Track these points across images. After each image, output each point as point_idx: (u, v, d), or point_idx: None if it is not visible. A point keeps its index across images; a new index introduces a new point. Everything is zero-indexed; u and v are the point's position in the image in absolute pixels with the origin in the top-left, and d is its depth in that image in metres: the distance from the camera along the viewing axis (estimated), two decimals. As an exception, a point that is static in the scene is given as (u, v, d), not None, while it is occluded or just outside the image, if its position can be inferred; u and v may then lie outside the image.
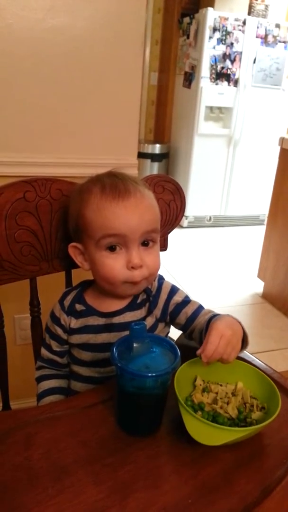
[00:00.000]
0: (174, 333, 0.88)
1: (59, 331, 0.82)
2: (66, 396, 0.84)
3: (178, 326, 0.83)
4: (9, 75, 1.14)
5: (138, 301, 0.81)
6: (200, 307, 0.81)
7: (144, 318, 0.80)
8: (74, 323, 0.80)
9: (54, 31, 1.13)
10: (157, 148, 4.09)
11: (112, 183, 0.72)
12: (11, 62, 1.13)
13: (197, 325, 0.78)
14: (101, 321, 0.79)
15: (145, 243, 0.74)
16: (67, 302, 0.82)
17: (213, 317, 0.75)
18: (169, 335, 0.88)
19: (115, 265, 0.72)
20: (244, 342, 0.70)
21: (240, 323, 0.71)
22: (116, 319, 0.79)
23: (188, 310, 0.80)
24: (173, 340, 0.85)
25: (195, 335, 0.79)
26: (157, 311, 0.81)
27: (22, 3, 1.09)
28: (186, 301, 0.81)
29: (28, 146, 1.22)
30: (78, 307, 0.81)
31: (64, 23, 1.14)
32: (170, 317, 0.82)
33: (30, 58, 1.14)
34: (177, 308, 0.80)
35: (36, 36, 1.13)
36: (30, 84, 1.16)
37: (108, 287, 0.76)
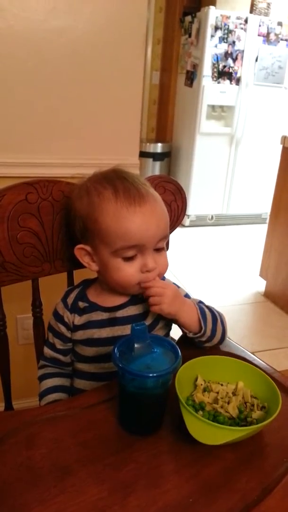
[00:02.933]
0: (176, 333, 0.89)
1: (63, 328, 0.82)
2: (69, 394, 0.85)
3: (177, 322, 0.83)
4: (11, 76, 1.15)
5: (140, 296, 0.81)
6: (199, 303, 0.83)
7: (146, 313, 0.81)
8: (78, 320, 0.81)
9: (55, 32, 1.14)
10: (159, 147, 4.08)
11: (125, 188, 0.72)
12: (13, 63, 1.14)
13: None
14: (104, 315, 0.80)
15: (158, 248, 0.75)
16: (70, 300, 0.82)
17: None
18: (171, 335, 0.89)
19: (130, 270, 0.74)
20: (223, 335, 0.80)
21: (199, 308, 0.79)
22: (119, 313, 0.80)
23: None
24: (174, 340, 0.86)
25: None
26: None
27: (23, 4, 1.10)
28: (187, 297, 0.83)
29: (30, 147, 1.22)
30: (81, 304, 0.81)
31: (65, 23, 1.14)
32: None
33: (32, 59, 1.15)
34: None
35: (38, 37, 1.13)
36: (31, 85, 1.17)
37: (119, 289, 0.77)
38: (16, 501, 0.52)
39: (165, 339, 0.65)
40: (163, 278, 0.84)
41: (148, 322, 0.80)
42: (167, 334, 0.86)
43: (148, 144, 4.06)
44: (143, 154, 3.92)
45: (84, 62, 1.19)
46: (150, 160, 4.05)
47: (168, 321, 0.85)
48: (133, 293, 0.79)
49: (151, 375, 0.58)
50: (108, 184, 0.73)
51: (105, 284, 0.79)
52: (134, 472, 0.56)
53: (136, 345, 0.62)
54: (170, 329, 0.87)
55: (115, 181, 0.73)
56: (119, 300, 0.80)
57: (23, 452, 0.58)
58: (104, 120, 1.26)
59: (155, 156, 4.07)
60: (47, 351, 0.86)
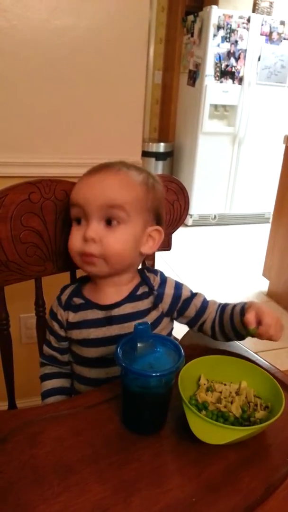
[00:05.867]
0: (179, 331, 0.89)
1: (56, 326, 0.81)
2: (69, 396, 0.85)
3: (185, 319, 0.84)
4: (14, 76, 1.15)
5: (138, 293, 0.80)
6: (205, 299, 0.84)
7: (148, 311, 0.80)
8: (72, 316, 0.80)
9: (58, 32, 1.14)
10: (161, 147, 4.08)
11: (102, 164, 0.76)
12: (16, 63, 1.14)
13: (209, 316, 0.82)
14: (100, 314, 0.79)
15: (108, 221, 0.73)
16: (64, 297, 0.82)
17: (233, 306, 0.80)
18: (174, 334, 0.89)
19: (74, 236, 0.75)
20: None
21: None
22: (116, 311, 0.78)
23: (197, 302, 0.82)
24: (177, 339, 0.86)
25: (206, 326, 0.82)
26: (164, 305, 0.81)
27: (26, 4, 1.10)
28: (194, 294, 0.83)
29: (33, 146, 1.22)
30: (76, 300, 0.81)
31: (68, 23, 1.14)
32: (178, 312, 0.82)
33: (34, 58, 1.15)
34: (186, 302, 0.82)
35: (40, 36, 1.13)
36: (34, 85, 1.17)
37: (71, 259, 0.78)
38: (20, 499, 0.52)
39: (167, 339, 0.65)
40: (165, 278, 0.83)
41: (149, 321, 0.80)
42: (169, 333, 0.86)
43: (150, 143, 4.06)
44: (145, 154, 3.92)
45: (87, 61, 1.19)
46: (153, 159, 4.05)
47: (170, 321, 0.85)
48: (81, 267, 0.78)
49: (154, 374, 0.59)
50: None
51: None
52: (137, 471, 0.57)
53: (139, 344, 0.62)
54: (172, 328, 0.87)
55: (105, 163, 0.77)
56: (115, 297, 0.79)
57: (26, 451, 0.59)
58: (107, 120, 1.26)
59: (158, 156, 4.07)
60: (45, 348, 0.86)
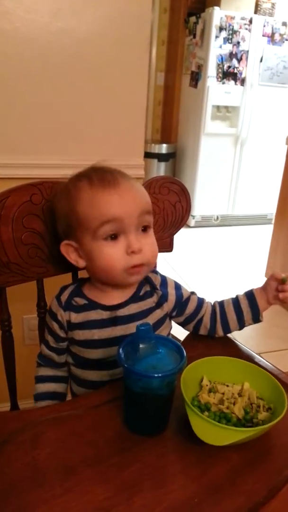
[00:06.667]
0: (180, 332, 0.89)
1: (55, 326, 0.80)
2: (61, 401, 0.84)
3: (184, 317, 0.85)
4: (16, 78, 1.15)
5: (141, 293, 0.80)
6: (198, 297, 0.88)
7: (151, 310, 0.80)
8: (75, 317, 0.78)
9: (60, 34, 1.14)
10: (164, 148, 4.08)
11: (99, 175, 0.72)
12: (18, 65, 1.14)
13: (206, 310, 0.86)
14: (104, 314, 0.77)
15: (143, 229, 0.74)
16: (64, 297, 0.80)
17: (232, 298, 0.87)
18: (175, 335, 0.89)
19: (114, 253, 0.71)
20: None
21: None
22: (121, 312, 0.77)
23: (194, 299, 0.86)
24: (179, 340, 0.86)
25: (205, 320, 0.85)
26: (169, 305, 0.82)
27: (29, 6, 1.10)
28: (191, 292, 0.87)
29: (34, 148, 1.23)
30: (79, 300, 0.79)
31: (70, 25, 1.14)
32: (178, 311, 0.84)
33: (37, 60, 1.15)
34: (186, 300, 0.84)
35: (43, 39, 1.14)
36: (36, 87, 1.17)
37: (107, 277, 0.74)
38: (21, 500, 0.52)
39: (169, 340, 0.65)
40: (164, 277, 0.84)
41: (152, 321, 0.79)
42: (169, 332, 0.86)
43: (153, 145, 4.07)
44: (148, 155, 3.92)
45: (89, 63, 1.19)
46: (155, 161, 4.06)
47: (169, 320, 0.85)
48: (121, 281, 0.74)
49: (156, 375, 0.58)
50: (83, 177, 0.74)
51: (96, 281, 0.78)
52: (139, 472, 0.56)
53: (141, 346, 0.62)
54: (171, 327, 0.86)
55: (90, 173, 0.74)
56: (120, 298, 0.78)
57: (28, 452, 0.59)
58: (109, 121, 1.26)
59: (160, 157, 4.07)
60: (42, 348, 0.85)
